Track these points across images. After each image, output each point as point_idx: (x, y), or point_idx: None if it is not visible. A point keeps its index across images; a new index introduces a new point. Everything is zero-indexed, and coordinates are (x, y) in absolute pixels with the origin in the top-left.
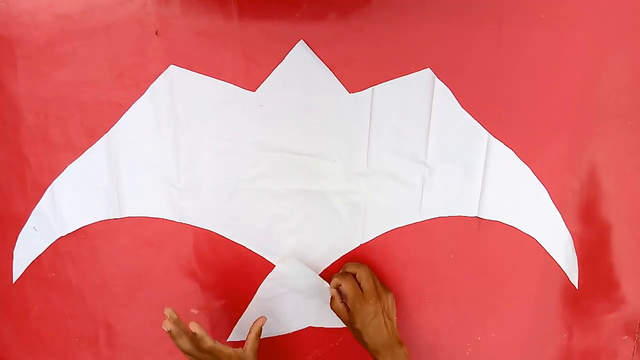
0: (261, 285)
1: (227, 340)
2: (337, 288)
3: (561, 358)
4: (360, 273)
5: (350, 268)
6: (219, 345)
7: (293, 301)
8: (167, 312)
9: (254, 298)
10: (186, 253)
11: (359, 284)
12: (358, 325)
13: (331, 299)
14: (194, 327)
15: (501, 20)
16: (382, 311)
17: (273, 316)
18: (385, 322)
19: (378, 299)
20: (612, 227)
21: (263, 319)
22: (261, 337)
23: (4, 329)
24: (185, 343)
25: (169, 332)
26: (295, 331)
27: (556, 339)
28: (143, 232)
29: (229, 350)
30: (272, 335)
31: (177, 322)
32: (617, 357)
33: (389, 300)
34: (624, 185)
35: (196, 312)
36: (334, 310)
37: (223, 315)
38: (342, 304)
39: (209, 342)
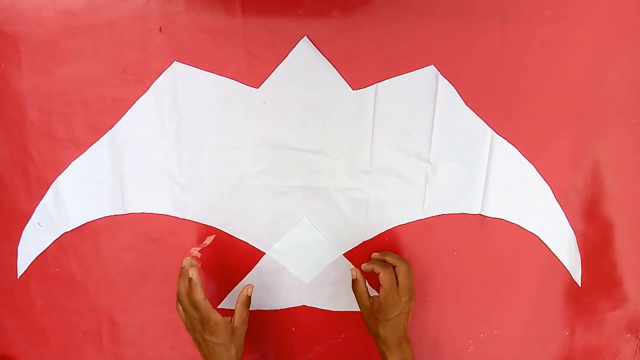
0: (262, 258)
1: (219, 307)
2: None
3: (563, 355)
4: (401, 267)
5: (392, 259)
6: (208, 306)
7: (290, 277)
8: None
9: (253, 269)
10: (189, 249)
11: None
12: (380, 317)
13: (355, 280)
14: (192, 272)
15: (505, 18)
16: (408, 311)
17: (268, 290)
18: (404, 321)
19: (410, 298)
20: (616, 225)
21: (249, 287)
22: (255, 309)
23: (9, 324)
24: (184, 286)
25: (182, 268)
26: (289, 308)
27: (558, 337)
28: (146, 228)
29: (217, 316)
30: (264, 309)
31: (191, 265)
32: (620, 355)
33: (413, 302)
34: (627, 183)
35: (198, 250)
36: (355, 292)
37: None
38: (365, 287)
39: (199, 294)
